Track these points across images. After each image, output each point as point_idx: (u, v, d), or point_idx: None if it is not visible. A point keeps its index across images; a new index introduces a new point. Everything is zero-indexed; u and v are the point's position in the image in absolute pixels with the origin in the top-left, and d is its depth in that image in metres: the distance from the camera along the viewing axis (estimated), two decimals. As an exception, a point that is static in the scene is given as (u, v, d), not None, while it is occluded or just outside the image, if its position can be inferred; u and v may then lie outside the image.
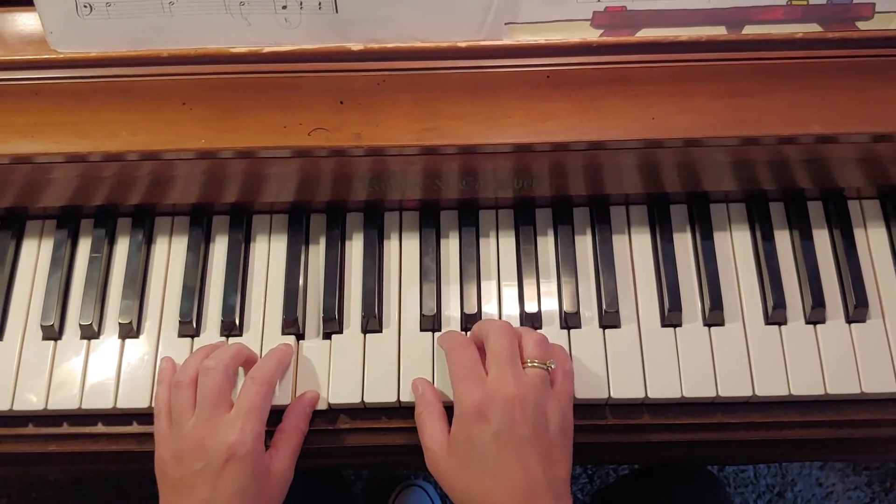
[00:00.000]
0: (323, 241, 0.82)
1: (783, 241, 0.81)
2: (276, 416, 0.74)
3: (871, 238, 0.81)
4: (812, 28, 0.72)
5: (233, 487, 0.66)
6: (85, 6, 0.70)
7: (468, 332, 0.77)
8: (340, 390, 0.76)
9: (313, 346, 0.78)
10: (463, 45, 0.72)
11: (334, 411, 0.77)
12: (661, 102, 0.72)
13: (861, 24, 0.72)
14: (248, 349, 0.75)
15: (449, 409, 0.71)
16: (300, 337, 0.79)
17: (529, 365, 0.68)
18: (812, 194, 0.82)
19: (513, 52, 0.72)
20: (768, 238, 0.81)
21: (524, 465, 0.64)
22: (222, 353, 0.72)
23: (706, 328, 0.78)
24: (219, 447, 0.66)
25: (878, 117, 0.72)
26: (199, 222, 0.83)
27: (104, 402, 0.76)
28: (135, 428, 0.78)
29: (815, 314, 0.77)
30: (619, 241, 0.81)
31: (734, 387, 0.75)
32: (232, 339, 0.78)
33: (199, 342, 0.79)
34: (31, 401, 0.76)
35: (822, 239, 0.81)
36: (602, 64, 0.72)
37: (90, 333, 0.79)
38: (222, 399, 0.69)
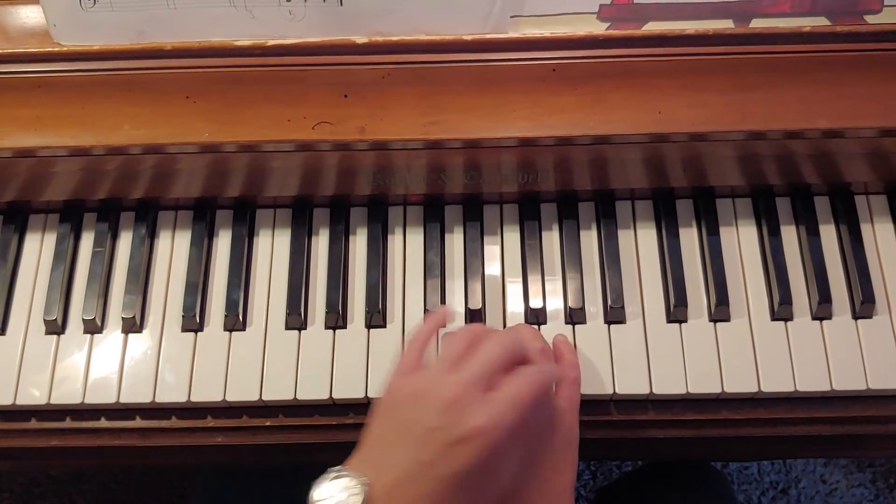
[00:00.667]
0: (326, 235, 0.82)
1: (790, 236, 0.81)
2: (274, 410, 0.73)
3: (878, 234, 0.81)
4: (820, 21, 0.71)
5: (454, 469, 0.58)
6: (88, -1, 0.70)
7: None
8: (344, 385, 0.76)
9: (317, 341, 0.78)
10: (468, 38, 0.71)
11: (338, 406, 0.77)
12: (668, 96, 0.72)
13: (870, 18, 0.71)
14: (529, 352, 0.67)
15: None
16: (304, 331, 0.78)
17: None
18: (819, 189, 0.82)
19: (518, 45, 0.72)
20: (775, 233, 0.80)
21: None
22: (523, 339, 0.66)
23: (712, 324, 0.77)
24: (471, 420, 0.58)
25: (887, 112, 0.71)
26: (203, 216, 0.82)
27: (107, 397, 0.76)
28: (138, 423, 0.78)
29: (822, 310, 0.77)
30: (624, 237, 0.81)
31: (739, 383, 0.75)
32: (235, 334, 0.78)
33: (202, 337, 0.78)
34: (33, 395, 0.76)
35: (828, 234, 0.81)
36: (608, 57, 0.72)
37: (93, 328, 0.79)
38: (493, 377, 0.61)
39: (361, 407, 0.77)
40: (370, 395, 0.75)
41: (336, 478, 0.58)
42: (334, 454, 0.80)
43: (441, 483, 0.58)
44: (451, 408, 0.58)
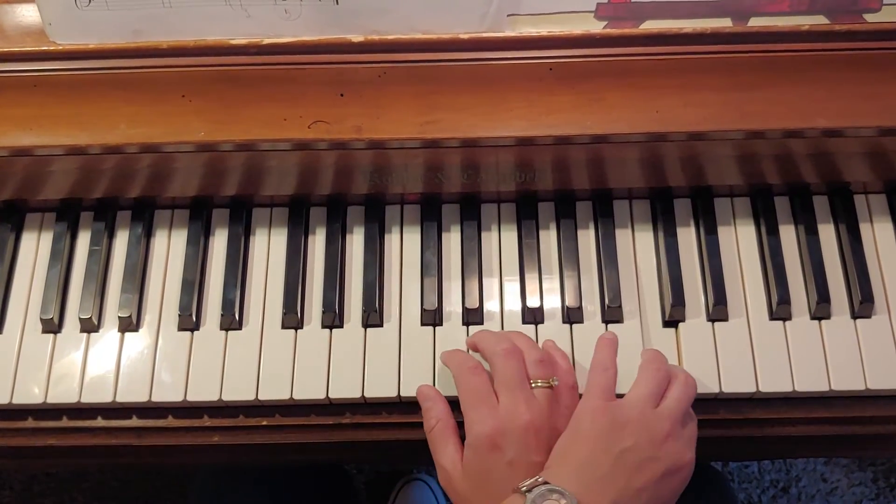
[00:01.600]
0: (323, 234, 0.82)
1: (788, 235, 0.80)
2: (271, 409, 0.73)
3: (877, 233, 0.80)
4: (819, 20, 0.71)
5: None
6: (83, -3, 0.70)
7: (476, 328, 0.77)
8: (340, 385, 0.75)
9: (313, 340, 0.78)
10: (465, 36, 0.71)
11: (334, 405, 0.77)
12: (666, 95, 0.71)
13: (869, 17, 0.71)
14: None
15: (454, 405, 0.70)
16: (300, 330, 0.78)
17: (534, 385, 0.68)
18: (818, 189, 0.82)
19: (515, 44, 0.71)
20: (773, 233, 0.80)
21: None
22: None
23: (710, 324, 0.77)
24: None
25: (886, 111, 0.71)
26: (199, 215, 0.82)
27: (103, 396, 0.76)
28: (134, 422, 0.77)
29: (820, 310, 0.77)
30: (622, 236, 0.81)
31: (738, 383, 0.75)
32: (232, 333, 0.78)
33: (198, 336, 0.78)
34: (30, 394, 0.76)
35: (827, 234, 0.80)
36: (605, 56, 0.71)
37: (90, 327, 0.78)
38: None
39: (358, 406, 0.76)
40: (366, 394, 0.75)
41: (551, 490, 0.61)
42: (331, 454, 0.80)
43: None
44: (667, 442, 0.65)
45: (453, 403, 0.71)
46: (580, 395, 0.70)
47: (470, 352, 0.74)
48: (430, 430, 0.71)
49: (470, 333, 0.77)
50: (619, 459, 0.63)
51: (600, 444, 0.64)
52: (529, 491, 0.61)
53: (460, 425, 0.69)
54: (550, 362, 0.71)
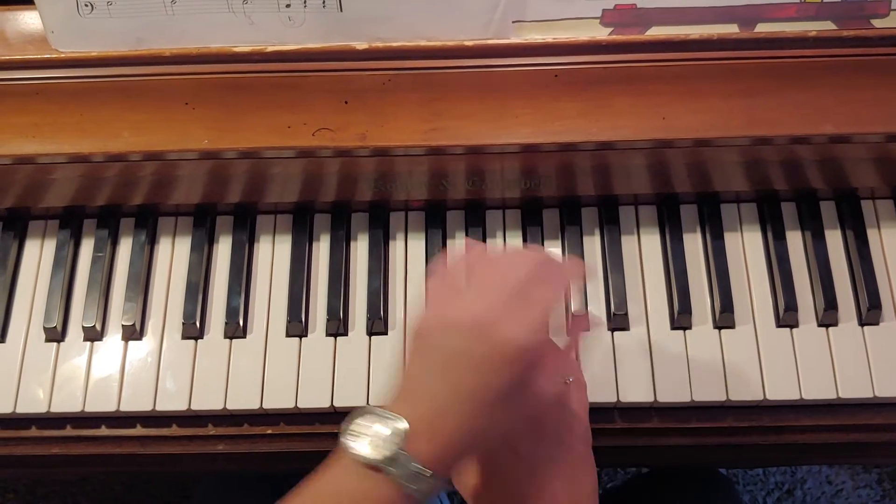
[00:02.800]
0: (327, 241, 0.81)
1: (795, 242, 0.80)
2: (277, 418, 0.73)
3: (884, 239, 0.80)
4: (826, 26, 0.71)
5: (499, 388, 0.55)
6: (86, 5, 0.69)
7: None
8: (345, 393, 0.75)
9: (318, 348, 0.77)
10: (470, 43, 0.71)
11: (340, 414, 0.76)
12: (672, 102, 0.71)
13: (876, 22, 0.70)
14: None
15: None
16: (305, 337, 0.78)
17: None
18: (825, 194, 0.81)
19: (520, 50, 0.71)
20: (780, 239, 0.79)
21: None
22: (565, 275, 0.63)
23: (716, 331, 0.77)
24: (507, 338, 0.55)
25: (894, 117, 0.70)
26: (203, 223, 0.82)
27: (107, 405, 0.76)
28: (138, 430, 0.77)
29: (828, 317, 0.76)
30: (628, 242, 0.80)
31: (744, 391, 0.74)
32: (236, 341, 0.77)
33: (202, 344, 0.78)
34: (34, 403, 0.76)
35: (834, 240, 0.80)
36: (611, 63, 0.71)
37: (93, 335, 0.78)
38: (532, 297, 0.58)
39: (363, 415, 0.76)
40: (371, 403, 0.74)
41: (370, 414, 0.56)
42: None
43: (481, 404, 0.55)
44: (478, 328, 0.55)
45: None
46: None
47: None
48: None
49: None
50: (436, 362, 0.57)
51: (417, 354, 0.59)
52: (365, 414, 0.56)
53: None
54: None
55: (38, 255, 0.82)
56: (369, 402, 0.74)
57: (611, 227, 0.80)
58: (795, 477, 1.62)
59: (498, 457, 0.64)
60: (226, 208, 0.82)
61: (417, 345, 0.59)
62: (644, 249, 0.80)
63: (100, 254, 0.81)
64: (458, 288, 0.59)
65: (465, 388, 0.55)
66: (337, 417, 0.75)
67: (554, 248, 0.81)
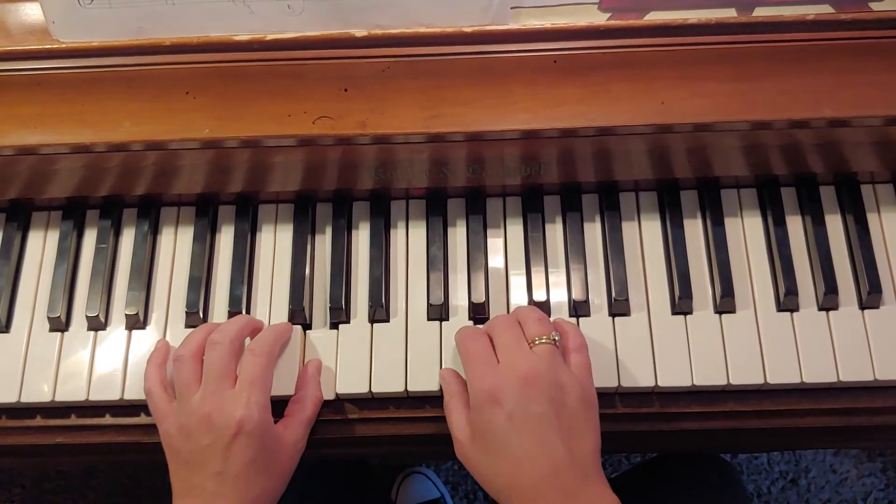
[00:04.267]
0: (329, 230, 0.82)
1: (795, 226, 0.80)
2: (283, 406, 0.73)
3: (884, 223, 0.80)
4: (824, 9, 0.71)
5: (243, 460, 0.66)
6: (86, -5, 0.70)
7: (474, 323, 0.77)
8: (348, 380, 0.75)
9: (320, 336, 0.78)
10: (468, 30, 0.71)
11: (342, 401, 0.77)
12: (671, 87, 0.71)
13: (874, 5, 0.70)
14: (255, 321, 0.75)
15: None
16: (307, 327, 0.78)
17: (536, 343, 0.68)
18: (824, 179, 0.81)
19: (519, 36, 0.71)
20: (780, 224, 0.80)
21: (543, 444, 0.64)
22: (229, 327, 0.72)
23: (717, 315, 0.77)
24: (227, 421, 0.66)
25: (893, 100, 0.70)
26: (205, 212, 0.82)
27: (111, 394, 0.76)
28: (143, 419, 0.78)
29: (828, 301, 0.76)
30: (628, 228, 0.80)
31: (745, 375, 0.74)
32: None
33: (205, 333, 0.78)
34: (38, 392, 0.76)
35: (834, 224, 0.80)
36: (610, 48, 0.71)
37: (97, 325, 0.79)
38: (228, 373, 0.69)
39: (364, 402, 0.76)
40: (374, 390, 0.75)
41: None
42: (339, 449, 0.80)
43: (237, 481, 0.66)
44: (205, 421, 0.67)
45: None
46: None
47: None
48: (446, 405, 0.71)
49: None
50: (187, 464, 0.68)
51: (173, 462, 0.70)
52: None
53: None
54: (548, 321, 0.71)
55: (41, 245, 0.82)
56: (371, 390, 0.75)
57: (611, 213, 0.80)
58: (800, 466, 1.62)
59: (485, 415, 0.65)
60: (228, 198, 0.83)
61: (175, 458, 0.70)
62: (645, 235, 0.80)
63: (103, 244, 0.81)
64: (183, 392, 0.70)
65: (219, 473, 0.67)
66: (340, 404, 0.76)
67: (556, 228, 0.81)
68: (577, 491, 0.63)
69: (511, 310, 0.78)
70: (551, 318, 0.76)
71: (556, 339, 0.69)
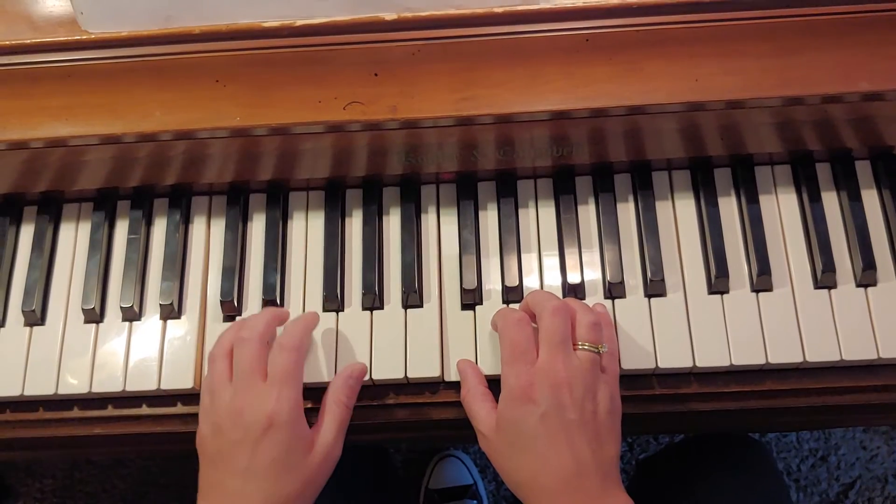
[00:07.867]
0: (360, 216, 0.81)
1: (831, 202, 0.79)
2: (318, 392, 0.73)
3: (923, 197, 0.79)
4: (860, -19, 0.69)
5: (271, 456, 0.66)
6: (114, -15, 0.69)
7: (517, 305, 0.76)
8: (384, 366, 0.75)
9: (354, 322, 0.77)
10: (499, 10, 0.70)
11: (378, 386, 0.76)
12: (704, 63, 0.70)
13: (912, -25, 0.69)
14: (282, 311, 0.74)
15: (494, 384, 0.70)
16: (340, 312, 0.78)
17: (580, 347, 0.67)
18: (860, 154, 0.80)
19: (550, 15, 0.70)
20: (815, 200, 0.79)
21: (572, 448, 0.64)
22: (256, 322, 0.71)
23: (754, 294, 0.76)
24: (257, 416, 0.66)
25: (930, 72, 0.69)
26: (236, 201, 0.82)
27: (148, 384, 0.76)
28: (179, 409, 0.78)
29: (866, 277, 0.75)
30: (662, 208, 0.80)
31: (784, 353, 0.74)
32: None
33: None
34: (74, 384, 0.77)
35: (870, 199, 0.79)
36: (642, 25, 0.70)
37: (131, 315, 0.79)
38: (258, 368, 0.68)
39: (400, 387, 0.76)
40: (409, 375, 0.75)
41: None
42: (376, 434, 0.80)
43: (262, 479, 0.66)
44: (236, 416, 0.67)
45: (495, 382, 0.70)
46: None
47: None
48: (464, 398, 0.71)
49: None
50: (218, 462, 0.69)
51: (203, 459, 0.70)
52: None
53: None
54: (601, 329, 0.70)
55: (73, 237, 0.82)
56: (407, 375, 0.75)
57: (644, 192, 0.80)
58: (829, 443, 1.61)
59: (517, 411, 0.66)
60: (258, 186, 0.82)
61: (204, 457, 0.70)
62: (679, 214, 0.80)
63: (134, 235, 0.81)
64: (215, 391, 0.70)
65: (246, 469, 0.67)
66: (377, 389, 0.76)
67: (588, 209, 0.80)
68: (597, 494, 0.64)
69: (545, 292, 0.77)
70: (586, 299, 0.76)
71: (604, 349, 0.68)
